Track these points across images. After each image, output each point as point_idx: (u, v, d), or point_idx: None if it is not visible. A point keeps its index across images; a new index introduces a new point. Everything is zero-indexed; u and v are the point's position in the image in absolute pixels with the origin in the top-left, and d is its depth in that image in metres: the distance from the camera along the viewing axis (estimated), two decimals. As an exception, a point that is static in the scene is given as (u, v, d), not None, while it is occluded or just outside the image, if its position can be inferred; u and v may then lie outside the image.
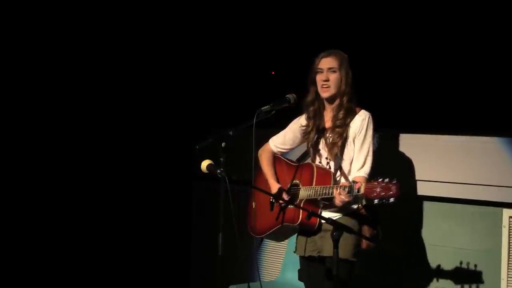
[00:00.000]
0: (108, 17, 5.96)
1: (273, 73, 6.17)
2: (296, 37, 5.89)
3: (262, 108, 4.22)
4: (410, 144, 4.97)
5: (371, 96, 5.09)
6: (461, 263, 4.73)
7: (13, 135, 5.65)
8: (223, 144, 4.01)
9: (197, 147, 4.12)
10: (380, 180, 3.91)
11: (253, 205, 4.47)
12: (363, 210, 4.31)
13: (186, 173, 6.20)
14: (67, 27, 5.80)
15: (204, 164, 4.00)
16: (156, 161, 6.27)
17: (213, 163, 3.99)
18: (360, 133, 4.31)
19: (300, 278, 4.56)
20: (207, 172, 4.00)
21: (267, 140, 4.68)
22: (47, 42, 5.73)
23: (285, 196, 4.45)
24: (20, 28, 5.63)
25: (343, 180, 4.33)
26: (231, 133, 4.07)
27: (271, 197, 4.50)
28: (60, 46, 5.79)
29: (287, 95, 4.34)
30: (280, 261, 5.56)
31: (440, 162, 4.87)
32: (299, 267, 4.57)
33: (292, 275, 4.85)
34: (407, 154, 4.96)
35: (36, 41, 5.69)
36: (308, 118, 4.49)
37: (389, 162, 4.93)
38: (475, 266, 4.69)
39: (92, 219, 5.99)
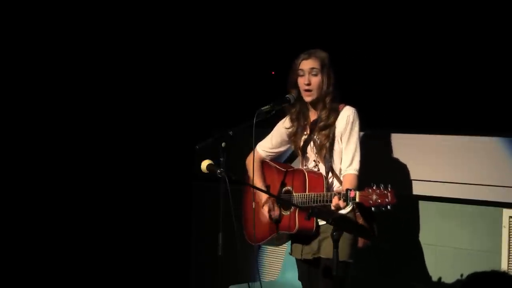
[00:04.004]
0: (108, 17, 5.95)
1: (273, 73, 6.16)
2: (296, 37, 5.88)
3: (262, 108, 4.21)
4: (410, 144, 4.97)
5: (372, 96, 5.11)
6: (461, 263, 4.73)
7: (14, 135, 5.65)
8: (223, 144, 4.01)
9: (197, 147, 4.12)
10: (374, 187, 3.86)
11: (253, 205, 4.41)
12: (359, 214, 4.27)
13: (186, 173, 6.20)
14: (67, 27, 5.79)
15: (204, 164, 4.00)
16: (156, 161, 6.27)
17: (213, 163, 3.99)
18: (345, 130, 4.25)
19: (299, 278, 4.55)
20: (207, 172, 4.00)
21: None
22: (47, 42, 5.73)
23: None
24: (20, 28, 5.63)
25: (335, 181, 4.29)
26: (231, 133, 4.06)
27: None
28: (60, 46, 5.79)
29: (287, 95, 4.33)
30: (280, 261, 5.56)
31: (440, 162, 4.86)
32: (299, 267, 4.56)
33: (292, 275, 4.85)
34: (407, 154, 4.95)
35: (36, 41, 5.69)
36: (291, 120, 4.42)
37: (389, 162, 4.93)
38: (475, 266, 4.68)
39: (92, 219, 5.98)
